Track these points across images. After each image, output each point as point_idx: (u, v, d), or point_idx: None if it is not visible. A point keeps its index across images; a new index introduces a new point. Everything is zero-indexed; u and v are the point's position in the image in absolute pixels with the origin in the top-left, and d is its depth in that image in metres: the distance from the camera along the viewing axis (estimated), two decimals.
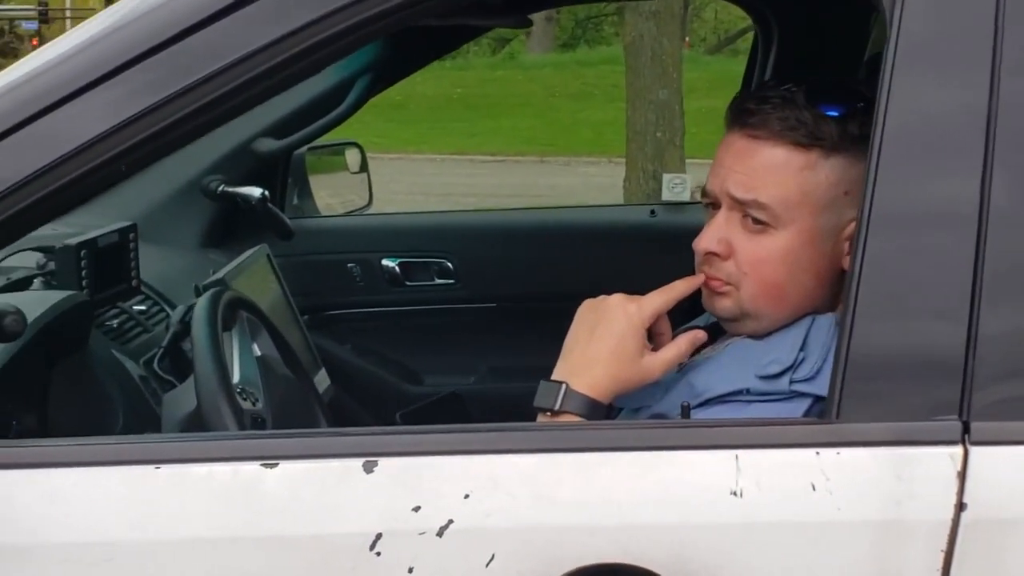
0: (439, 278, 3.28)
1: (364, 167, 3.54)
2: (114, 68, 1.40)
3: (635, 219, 3.53)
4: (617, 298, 1.68)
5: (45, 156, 1.39)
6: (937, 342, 1.37)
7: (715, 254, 1.67)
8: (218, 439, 1.58)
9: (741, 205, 1.65)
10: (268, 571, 1.34)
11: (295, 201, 3.34)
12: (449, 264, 3.27)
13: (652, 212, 3.35)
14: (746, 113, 1.65)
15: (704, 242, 1.68)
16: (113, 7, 1.58)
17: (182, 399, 1.86)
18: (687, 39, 18.77)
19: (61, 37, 1.63)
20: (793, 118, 1.62)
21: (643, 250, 3.13)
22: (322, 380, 2.49)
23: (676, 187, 3.29)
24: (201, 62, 1.40)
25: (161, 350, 2.27)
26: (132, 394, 2.16)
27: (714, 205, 1.69)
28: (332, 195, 3.53)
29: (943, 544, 1.32)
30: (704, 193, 1.71)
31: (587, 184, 12.73)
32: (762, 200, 1.63)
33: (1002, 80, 1.37)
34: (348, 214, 3.54)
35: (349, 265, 3.25)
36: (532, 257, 3.23)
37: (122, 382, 2.17)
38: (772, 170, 1.63)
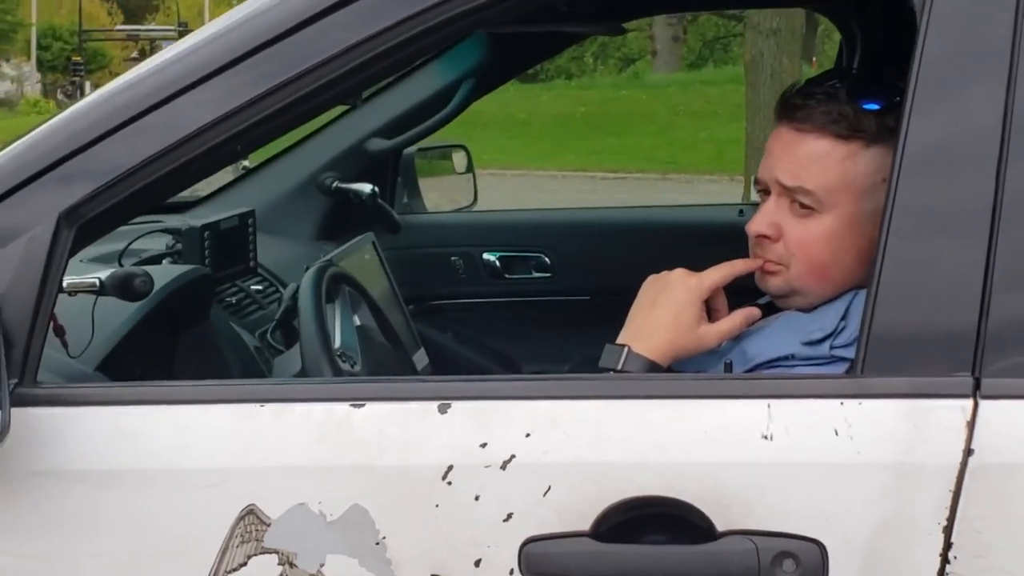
0: (536, 272, 3.46)
1: (470, 168, 3.73)
2: (228, 62, 1.58)
3: (723, 218, 3.64)
4: (679, 272, 1.82)
5: (162, 141, 1.57)
6: (953, 309, 1.49)
7: (766, 236, 1.81)
8: (314, 383, 1.78)
9: (789, 191, 1.78)
10: (356, 495, 1.50)
11: (404, 199, 3.55)
12: (546, 259, 3.45)
13: (740, 212, 3.47)
14: (793, 107, 1.78)
15: (756, 225, 1.82)
16: (227, 13, 1.78)
17: (290, 362, 2.07)
18: (814, 59, 18.66)
19: (185, 38, 1.80)
20: (835, 112, 1.75)
21: (730, 247, 3.27)
22: (420, 359, 2.68)
23: None
24: (303, 57, 1.57)
25: (274, 323, 2.48)
26: (247, 361, 2.37)
27: (765, 192, 1.84)
28: (440, 194, 3.73)
29: (951, 484, 1.45)
30: (756, 181, 1.87)
31: (708, 201, 12.76)
32: (807, 187, 1.76)
33: (1016, 96, 1.50)
34: (454, 212, 3.75)
35: (453, 258, 3.45)
36: (624, 253, 3.34)
37: (239, 350, 2.38)
38: (816, 160, 1.76)
